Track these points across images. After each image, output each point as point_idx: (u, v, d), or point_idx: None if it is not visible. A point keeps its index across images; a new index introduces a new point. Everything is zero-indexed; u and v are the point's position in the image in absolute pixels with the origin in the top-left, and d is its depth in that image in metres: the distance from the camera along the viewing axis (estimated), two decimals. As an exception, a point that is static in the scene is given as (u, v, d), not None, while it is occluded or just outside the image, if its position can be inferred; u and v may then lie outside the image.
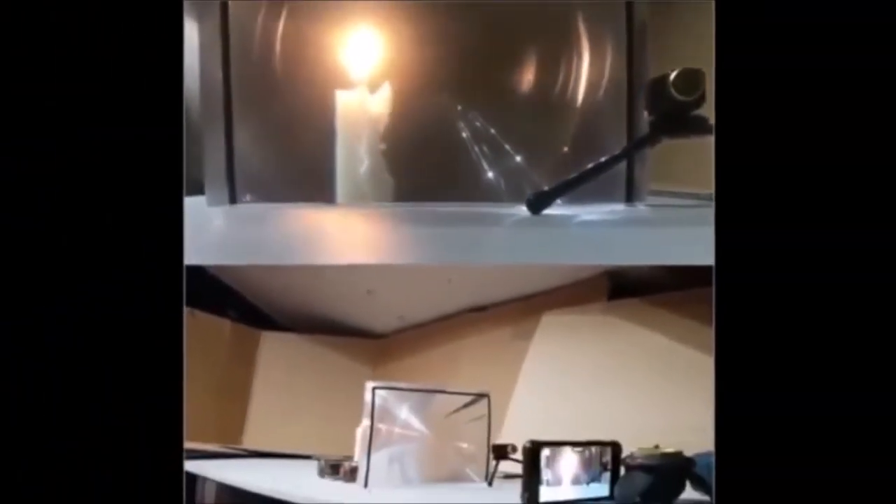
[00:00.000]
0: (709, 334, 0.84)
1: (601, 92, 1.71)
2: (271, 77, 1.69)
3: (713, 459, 0.83)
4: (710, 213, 0.85)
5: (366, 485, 1.27)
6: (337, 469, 1.43)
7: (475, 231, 1.39)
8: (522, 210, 1.46)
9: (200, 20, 1.65)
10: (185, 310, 0.86)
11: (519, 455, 1.08)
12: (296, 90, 1.69)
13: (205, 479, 1.56)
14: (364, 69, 1.69)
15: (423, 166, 1.71)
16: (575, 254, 1.26)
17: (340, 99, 1.68)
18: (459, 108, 1.70)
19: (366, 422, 1.41)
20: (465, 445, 1.43)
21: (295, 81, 1.69)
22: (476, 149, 1.70)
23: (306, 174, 1.70)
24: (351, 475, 1.40)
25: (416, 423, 1.37)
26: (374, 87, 1.69)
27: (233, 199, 1.68)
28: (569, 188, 1.49)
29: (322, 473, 1.46)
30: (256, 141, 1.69)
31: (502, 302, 1.94)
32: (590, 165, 1.52)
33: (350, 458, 1.45)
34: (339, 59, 1.69)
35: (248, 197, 1.69)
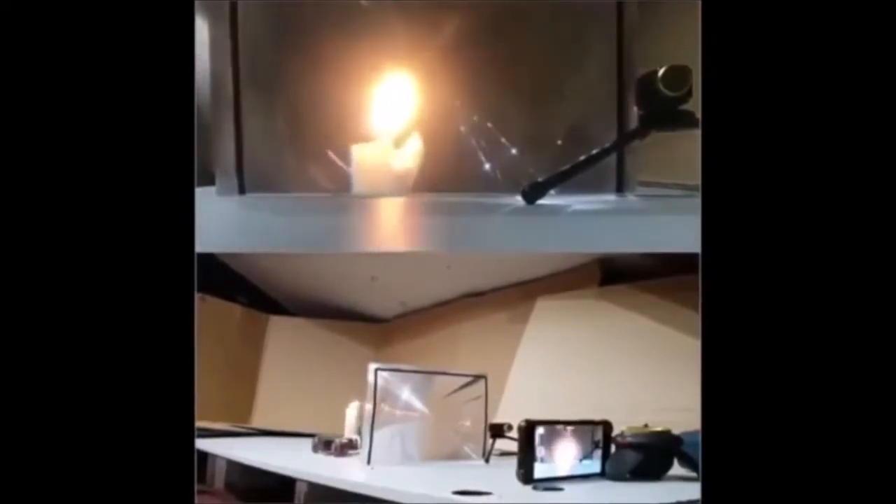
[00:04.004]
0: (695, 318, 0.84)
1: (593, 88, 1.71)
2: (279, 71, 1.68)
3: (700, 438, 0.83)
4: (696, 202, 0.84)
5: (369, 462, 1.27)
6: (329, 445, 1.45)
7: (473, 220, 1.38)
8: (518, 200, 1.46)
9: (210, 18, 1.65)
10: (196, 295, 0.86)
11: (514, 433, 1.08)
12: (303, 83, 1.68)
13: (215, 456, 1.57)
14: (372, 69, 1.69)
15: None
16: (568, 242, 1.26)
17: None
18: (458, 103, 1.69)
19: (357, 401, 1.45)
20: (463, 424, 1.43)
21: (302, 75, 1.68)
22: (474, 142, 1.70)
23: (312, 165, 1.69)
24: (341, 450, 1.44)
25: (416, 403, 1.37)
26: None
27: (242, 190, 1.68)
28: (562, 179, 1.49)
29: (316, 449, 1.48)
30: (265, 133, 1.68)
31: (499, 288, 1.94)
32: (582, 157, 1.52)
33: (341, 435, 1.48)
34: (344, 56, 1.68)
35: (256, 187, 1.68)
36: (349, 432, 1.50)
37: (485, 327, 1.93)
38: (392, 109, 1.70)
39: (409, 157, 1.70)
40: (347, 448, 1.45)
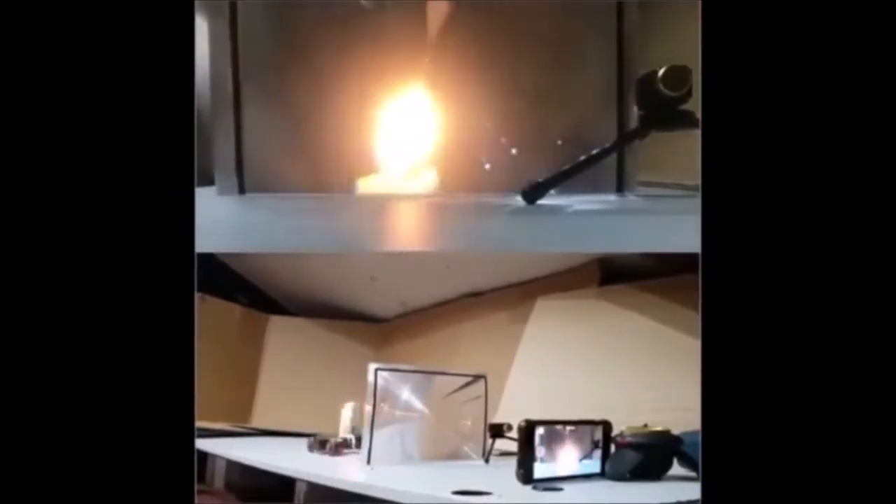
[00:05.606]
0: (695, 318, 0.84)
1: (593, 88, 1.71)
2: (279, 71, 1.68)
3: (700, 438, 0.83)
4: (696, 202, 0.84)
5: (368, 462, 1.27)
6: (324, 445, 1.48)
7: (473, 220, 1.38)
8: (518, 200, 1.46)
9: (210, 18, 1.65)
10: (196, 295, 0.86)
11: (514, 433, 1.08)
12: (303, 83, 1.68)
13: (215, 456, 1.57)
14: (371, 69, 1.68)
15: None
16: (568, 242, 1.26)
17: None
18: (457, 103, 1.69)
19: (353, 401, 1.48)
20: (463, 424, 1.43)
21: (302, 74, 1.68)
22: (474, 142, 1.70)
23: (313, 165, 1.69)
24: (336, 450, 1.46)
25: (416, 403, 1.37)
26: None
27: (242, 190, 1.68)
28: (562, 179, 1.49)
29: (311, 448, 1.49)
30: (265, 133, 1.68)
31: (499, 288, 1.94)
32: (582, 157, 1.52)
33: (336, 434, 1.50)
34: (344, 55, 1.68)
35: (255, 187, 1.68)
36: (344, 432, 1.51)
37: (485, 327, 1.93)
38: (401, 127, 1.70)
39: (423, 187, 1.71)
40: (342, 447, 1.46)
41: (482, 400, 1.46)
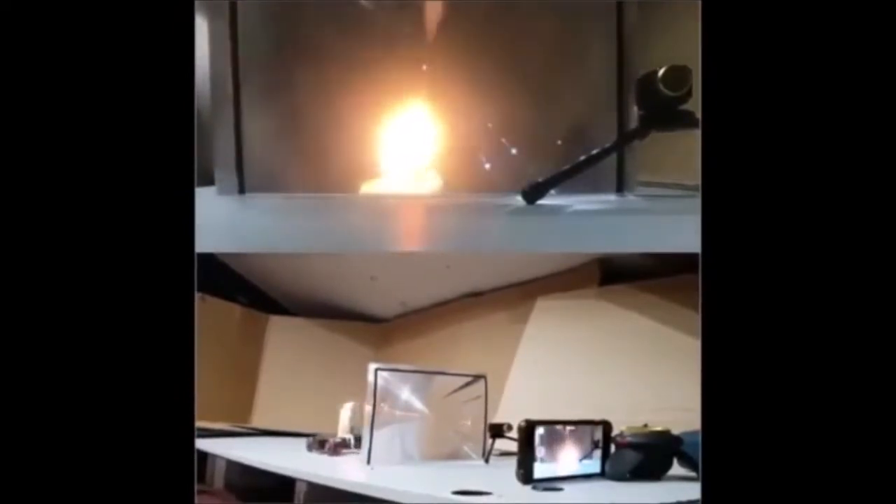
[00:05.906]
0: (695, 318, 0.84)
1: (593, 88, 1.71)
2: (279, 71, 1.68)
3: (700, 438, 0.83)
4: (696, 202, 0.84)
5: (368, 462, 1.27)
6: (323, 445, 1.48)
7: (473, 220, 1.38)
8: (518, 200, 1.46)
9: (210, 18, 1.65)
10: (196, 295, 0.86)
11: (514, 434, 1.08)
12: (303, 82, 1.68)
13: (215, 456, 1.57)
14: (370, 69, 1.68)
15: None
16: (568, 242, 1.26)
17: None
18: (457, 103, 1.69)
19: (351, 401, 1.48)
20: (463, 424, 1.43)
21: (302, 74, 1.68)
22: (474, 142, 1.70)
23: (313, 165, 1.69)
24: (335, 450, 1.47)
25: (416, 403, 1.37)
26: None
27: (242, 190, 1.68)
28: (562, 179, 1.49)
29: (310, 448, 1.50)
30: (265, 133, 1.68)
31: (499, 288, 1.94)
32: (582, 157, 1.52)
33: (335, 434, 1.50)
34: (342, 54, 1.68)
35: (255, 187, 1.68)
36: (342, 432, 1.52)
37: (485, 327, 1.93)
38: (400, 127, 1.70)
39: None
40: (341, 447, 1.47)
41: (482, 400, 1.46)
